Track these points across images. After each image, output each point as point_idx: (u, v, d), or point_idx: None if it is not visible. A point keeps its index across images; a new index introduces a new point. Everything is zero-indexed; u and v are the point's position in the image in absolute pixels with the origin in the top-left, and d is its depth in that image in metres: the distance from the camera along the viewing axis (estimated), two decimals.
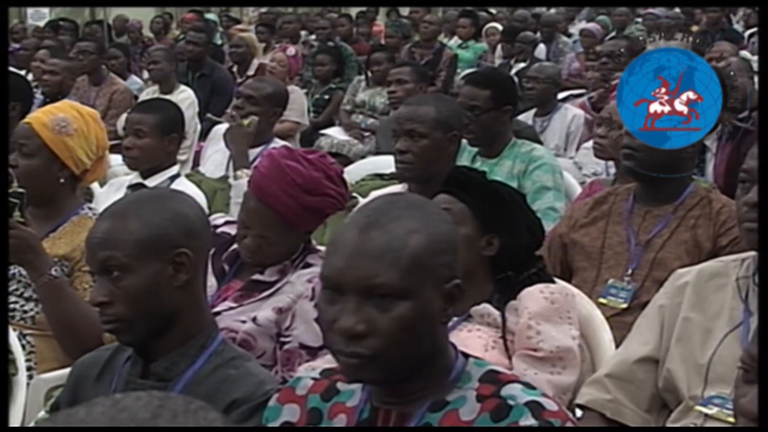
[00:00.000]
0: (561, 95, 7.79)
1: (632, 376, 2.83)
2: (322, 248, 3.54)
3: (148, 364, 2.42)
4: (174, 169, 4.75)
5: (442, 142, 4.02)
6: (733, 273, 2.80)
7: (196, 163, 6.98)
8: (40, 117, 3.61)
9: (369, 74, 8.64)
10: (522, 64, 10.40)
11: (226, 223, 3.58)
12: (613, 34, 12.14)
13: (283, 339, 3.18)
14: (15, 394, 3.22)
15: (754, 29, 13.77)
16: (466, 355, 2.05)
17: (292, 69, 9.05)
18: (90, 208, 3.70)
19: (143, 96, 8.29)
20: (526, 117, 7.11)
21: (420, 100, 4.42)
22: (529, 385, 1.95)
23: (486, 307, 2.99)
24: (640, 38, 9.01)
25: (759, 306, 1.78)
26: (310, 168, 3.26)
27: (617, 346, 3.05)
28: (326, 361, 2.68)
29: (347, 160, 6.46)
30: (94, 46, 9.17)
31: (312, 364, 2.97)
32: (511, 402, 1.90)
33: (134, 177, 4.79)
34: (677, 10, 14.98)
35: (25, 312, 3.53)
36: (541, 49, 11.87)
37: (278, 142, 5.45)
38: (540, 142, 5.78)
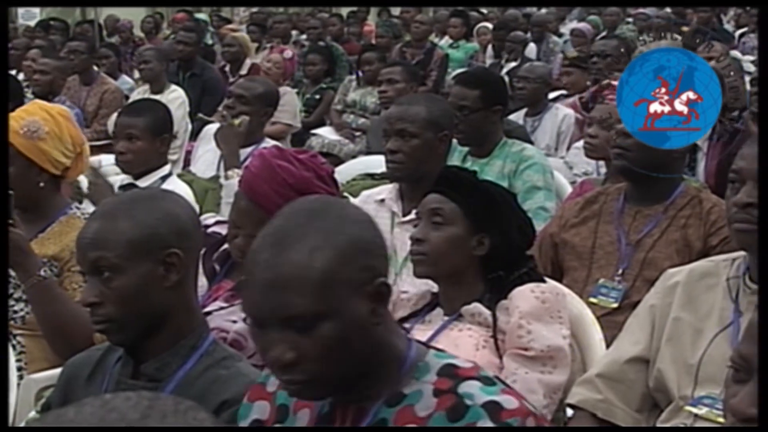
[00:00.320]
0: (552, 95, 7.79)
1: (623, 376, 2.83)
2: None
3: (138, 365, 2.42)
4: (165, 169, 4.74)
5: (432, 142, 4.02)
6: (724, 273, 2.80)
7: (187, 162, 6.98)
8: (11, 124, 3.54)
9: (360, 74, 8.64)
10: (513, 64, 10.42)
11: (217, 222, 3.58)
12: (603, 34, 12.14)
13: None
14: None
15: (745, 29, 13.82)
16: (427, 345, 2.03)
17: (287, 72, 9.07)
18: (78, 208, 3.69)
19: (134, 95, 8.29)
20: (517, 117, 7.11)
21: (411, 99, 4.41)
22: (488, 381, 1.91)
23: (477, 307, 2.99)
24: (639, 38, 9.00)
25: (759, 306, 1.78)
26: (301, 168, 3.26)
27: (608, 345, 3.05)
28: None
29: (338, 160, 6.46)
30: (84, 45, 9.16)
31: None
32: (468, 402, 1.86)
33: (126, 177, 4.78)
34: (668, 10, 14.99)
35: (15, 312, 3.52)
36: (531, 49, 11.88)
37: (269, 142, 5.45)
38: (531, 142, 5.79)
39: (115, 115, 5.62)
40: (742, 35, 13.44)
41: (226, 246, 3.38)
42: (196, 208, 4.30)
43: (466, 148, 4.94)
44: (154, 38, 14.33)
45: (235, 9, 19.11)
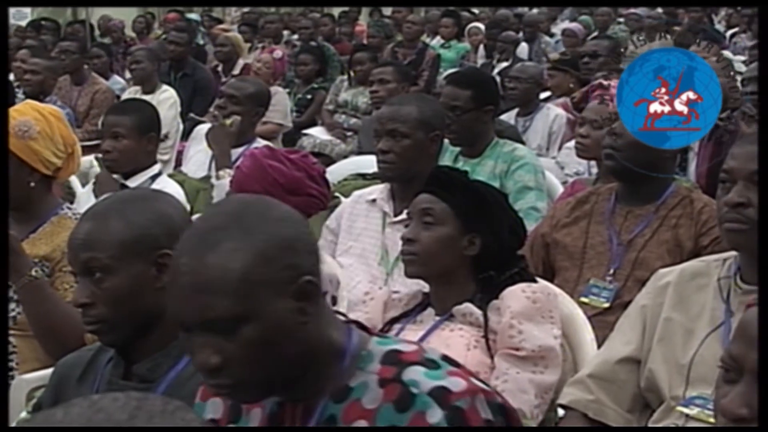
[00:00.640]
0: (543, 95, 7.80)
1: (614, 377, 2.83)
2: None
3: (130, 366, 2.42)
4: (155, 168, 4.73)
5: (424, 142, 4.02)
6: (715, 273, 2.80)
7: (178, 162, 6.97)
8: None
9: (351, 74, 8.64)
10: (504, 64, 10.42)
11: None
12: (595, 34, 12.16)
13: None
14: None
15: (736, 29, 13.85)
16: (370, 331, 1.99)
17: (277, 71, 9.07)
18: (70, 208, 3.69)
19: (125, 96, 8.29)
20: (509, 117, 7.12)
21: (402, 100, 4.41)
22: (432, 364, 1.88)
23: (468, 307, 3.00)
24: (639, 39, 9.02)
25: (759, 306, 1.78)
26: (293, 168, 3.26)
27: (599, 345, 3.06)
28: None
29: (330, 160, 6.46)
30: (76, 45, 9.15)
31: None
32: (414, 390, 1.83)
33: (116, 177, 4.77)
34: (659, 10, 15.02)
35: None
36: (523, 49, 11.89)
37: (261, 142, 5.45)
38: (522, 142, 5.79)
39: None
40: (733, 35, 13.47)
41: None
42: (188, 208, 4.31)
43: (457, 148, 4.94)
44: (146, 38, 14.32)
45: (227, 9, 19.09)
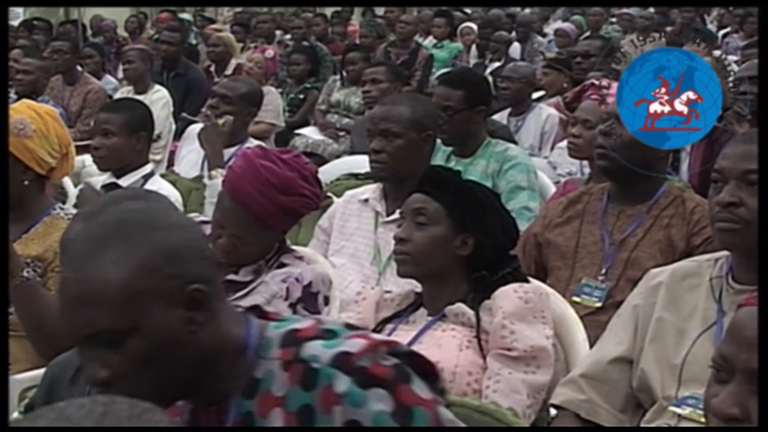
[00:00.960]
0: (535, 95, 7.80)
1: (606, 377, 2.83)
2: (297, 248, 3.54)
3: None
4: (147, 168, 4.72)
5: (416, 142, 4.02)
6: (707, 273, 2.80)
7: (170, 162, 6.96)
8: None
9: (344, 74, 8.64)
10: (497, 64, 10.43)
11: (201, 223, 3.57)
12: (587, 34, 12.16)
13: None
14: None
15: (728, 29, 13.86)
16: (267, 317, 1.94)
17: (269, 71, 9.06)
18: (62, 208, 3.68)
19: (118, 96, 8.27)
20: (501, 116, 7.12)
21: (395, 99, 4.41)
22: (330, 333, 1.85)
23: (460, 307, 2.99)
24: (638, 40, 9.02)
25: (759, 306, 1.78)
26: (285, 168, 3.25)
27: (591, 345, 3.06)
28: None
29: (322, 160, 6.44)
30: (68, 45, 9.12)
31: None
32: (314, 365, 1.79)
33: (108, 176, 4.76)
34: (651, 10, 15.03)
35: None
36: (515, 49, 11.89)
37: (253, 142, 5.44)
38: (514, 142, 5.79)
39: None
40: (725, 35, 13.48)
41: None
42: (180, 208, 4.31)
43: (449, 148, 4.94)
44: (138, 38, 14.30)
45: (219, 9, 19.07)
